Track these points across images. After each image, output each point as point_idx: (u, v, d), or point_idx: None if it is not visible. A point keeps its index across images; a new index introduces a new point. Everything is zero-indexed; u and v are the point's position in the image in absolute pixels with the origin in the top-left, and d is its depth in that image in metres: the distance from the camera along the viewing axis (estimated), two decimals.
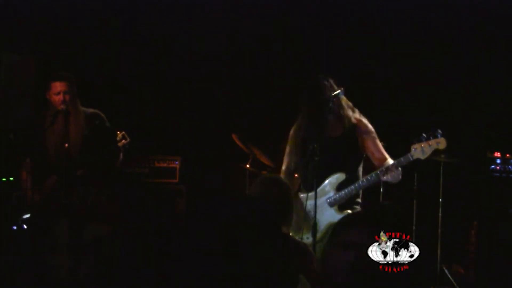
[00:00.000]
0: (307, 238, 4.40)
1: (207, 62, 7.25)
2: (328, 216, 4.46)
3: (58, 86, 5.09)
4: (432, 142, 4.37)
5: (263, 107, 7.27)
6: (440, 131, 4.39)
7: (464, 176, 6.55)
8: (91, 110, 5.28)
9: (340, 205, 4.52)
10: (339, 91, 4.54)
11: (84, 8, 6.97)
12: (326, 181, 4.54)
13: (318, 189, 4.45)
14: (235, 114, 7.26)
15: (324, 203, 4.50)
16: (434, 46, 6.88)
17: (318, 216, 4.43)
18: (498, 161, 5.78)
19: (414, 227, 6.22)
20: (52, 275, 3.07)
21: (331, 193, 4.52)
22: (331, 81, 4.64)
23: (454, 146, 4.94)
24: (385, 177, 4.41)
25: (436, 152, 4.48)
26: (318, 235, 4.39)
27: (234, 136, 6.52)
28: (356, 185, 4.51)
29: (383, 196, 6.14)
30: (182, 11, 7.10)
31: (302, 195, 4.52)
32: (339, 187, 4.53)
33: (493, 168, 5.78)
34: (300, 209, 4.36)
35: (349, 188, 4.49)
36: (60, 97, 5.06)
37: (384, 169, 4.41)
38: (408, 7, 6.81)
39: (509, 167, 5.76)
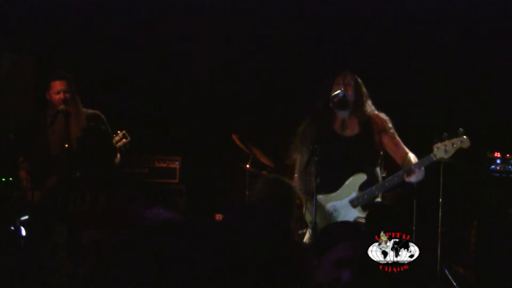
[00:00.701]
0: None
1: (207, 62, 7.24)
2: (351, 216, 4.42)
3: (58, 85, 5.06)
4: (455, 140, 4.26)
5: (263, 107, 7.27)
6: (461, 129, 4.30)
7: (464, 176, 6.54)
8: (91, 111, 5.25)
9: (363, 205, 4.45)
10: (339, 91, 4.50)
11: (84, 8, 6.96)
12: (347, 182, 4.48)
13: (340, 190, 4.44)
14: (235, 114, 7.26)
15: (347, 204, 4.45)
16: (433, 47, 6.89)
17: (341, 218, 4.41)
18: (498, 161, 5.78)
19: (414, 227, 6.22)
20: (52, 278, 3.06)
21: (354, 194, 4.46)
22: (355, 78, 4.60)
23: None
24: (407, 179, 4.34)
25: (459, 151, 4.36)
26: None
27: (234, 136, 6.52)
28: (379, 186, 4.45)
29: (383, 196, 6.13)
30: (182, 11, 7.10)
31: (320, 196, 4.39)
32: (361, 187, 4.47)
33: (493, 168, 5.77)
34: (321, 211, 4.30)
35: (371, 189, 4.42)
36: (61, 95, 5.03)
37: (407, 171, 4.33)
38: (409, 7, 6.82)
39: (509, 167, 5.76)
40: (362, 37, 6.94)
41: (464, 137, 4.28)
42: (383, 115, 4.60)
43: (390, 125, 4.56)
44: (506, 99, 6.61)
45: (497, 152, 5.81)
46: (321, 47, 7.05)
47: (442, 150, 4.27)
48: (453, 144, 4.27)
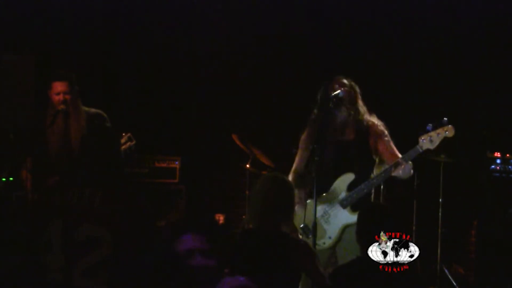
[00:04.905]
0: (323, 244, 4.36)
1: (208, 62, 7.25)
2: (341, 218, 4.38)
3: (58, 86, 5.05)
4: (440, 130, 4.28)
5: (263, 107, 7.27)
6: (445, 118, 4.32)
7: (464, 176, 6.55)
8: (93, 110, 5.23)
9: (353, 206, 4.40)
10: (339, 91, 4.49)
11: (84, 8, 6.97)
12: (335, 183, 4.44)
13: (328, 192, 4.42)
14: (235, 114, 7.26)
15: (337, 205, 4.42)
16: (433, 46, 6.89)
17: (331, 219, 4.39)
18: (498, 161, 5.78)
19: (414, 227, 6.23)
20: (46, 275, 3.07)
21: (343, 194, 4.42)
22: (349, 82, 4.58)
23: (454, 146, 4.94)
24: (395, 173, 4.32)
25: (442, 143, 4.36)
26: (333, 238, 4.36)
27: (234, 136, 6.52)
28: (367, 183, 4.41)
29: (384, 196, 6.14)
30: (182, 11, 7.10)
31: (309, 200, 4.35)
32: (350, 187, 4.43)
33: (493, 168, 5.78)
34: (311, 215, 4.28)
35: (360, 187, 4.38)
36: (60, 97, 5.03)
37: (393, 164, 4.32)
38: (405, 8, 6.83)
39: (509, 167, 5.76)
40: (362, 38, 6.95)
41: (449, 126, 4.29)
42: (379, 122, 4.59)
43: (386, 132, 4.55)
44: (506, 99, 6.61)
45: (497, 152, 5.82)
46: (321, 47, 7.05)
47: (427, 140, 4.29)
48: (438, 134, 4.29)
